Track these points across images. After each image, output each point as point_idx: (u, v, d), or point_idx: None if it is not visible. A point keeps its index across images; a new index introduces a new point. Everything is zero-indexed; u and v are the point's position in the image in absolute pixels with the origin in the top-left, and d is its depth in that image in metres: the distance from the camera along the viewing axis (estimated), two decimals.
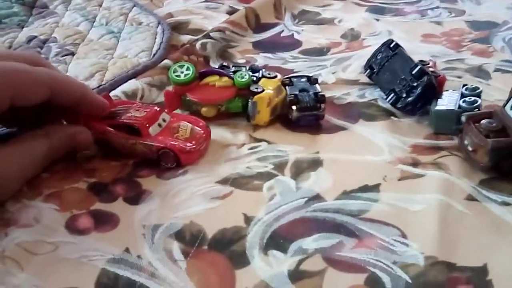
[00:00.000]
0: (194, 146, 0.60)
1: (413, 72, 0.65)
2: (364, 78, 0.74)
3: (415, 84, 0.65)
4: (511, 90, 0.58)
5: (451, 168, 0.58)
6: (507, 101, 0.57)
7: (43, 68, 0.56)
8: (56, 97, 0.56)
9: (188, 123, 0.62)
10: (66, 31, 0.89)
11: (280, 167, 0.59)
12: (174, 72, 0.65)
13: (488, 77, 0.75)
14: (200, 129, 0.62)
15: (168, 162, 0.59)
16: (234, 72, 0.67)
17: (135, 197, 0.55)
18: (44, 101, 0.55)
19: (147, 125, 0.59)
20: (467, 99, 0.62)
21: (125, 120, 0.60)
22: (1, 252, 0.48)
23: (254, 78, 0.67)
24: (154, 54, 0.79)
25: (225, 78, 0.66)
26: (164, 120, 0.61)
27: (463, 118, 0.58)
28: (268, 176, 0.57)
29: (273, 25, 0.94)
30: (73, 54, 0.82)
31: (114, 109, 0.62)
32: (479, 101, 0.62)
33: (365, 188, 0.55)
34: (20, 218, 0.52)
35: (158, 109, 0.62)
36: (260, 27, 0.93)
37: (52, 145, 0.57)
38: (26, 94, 0.53)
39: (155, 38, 0.85)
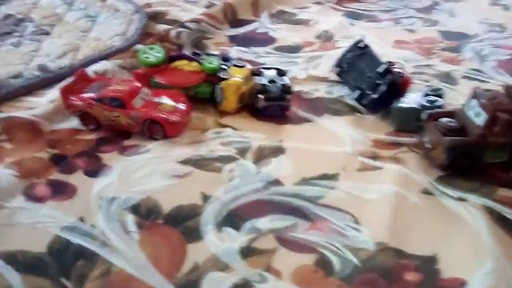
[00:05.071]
0: (179, 118, 0.60)
1: (379, 71, 0.67)
2: (333, 76, 0.75)
3: (380, 82, 0.66)
4: (470, 91, 0.59)
5: (409, 163, 0.59)
6: (467, 101, 0.59)
7: None
8: None
9: (169, 97, 0.62)
10: (43, 12, 0.89)
11: (242, 152, 0.59)
12: (143, 54, 0.66)
13: (455, 83, 0.77)
14: (181, 103, 0.62)
15: (155, 133, 0.60)
16: None
17: (95, 170, 0.55)
18: None
19: (131, 97, 0.60)
20: (429, 98, 0.64)
21: (109, 93, 0.60)
22: None
23: (225, 67, 0.67)
24: (128, 39, 0.80)
25: (194, 63, 0.67)
26: (146, 94, 0.62)
27: (424, 116, 0.60)
28: (229, 159, 0.58)
29: (250, 22, 0.95)
30: (48, 33, 0.82)
31: (93, 83, 0.63)
32: (441, 100, 0.64)
33: (324, 176, 0.56)
34: None
35: (138, 84, 0.62)
36: (236, 22, 0.94)
37: None
38: None
39: (131, 24, 0.85)
